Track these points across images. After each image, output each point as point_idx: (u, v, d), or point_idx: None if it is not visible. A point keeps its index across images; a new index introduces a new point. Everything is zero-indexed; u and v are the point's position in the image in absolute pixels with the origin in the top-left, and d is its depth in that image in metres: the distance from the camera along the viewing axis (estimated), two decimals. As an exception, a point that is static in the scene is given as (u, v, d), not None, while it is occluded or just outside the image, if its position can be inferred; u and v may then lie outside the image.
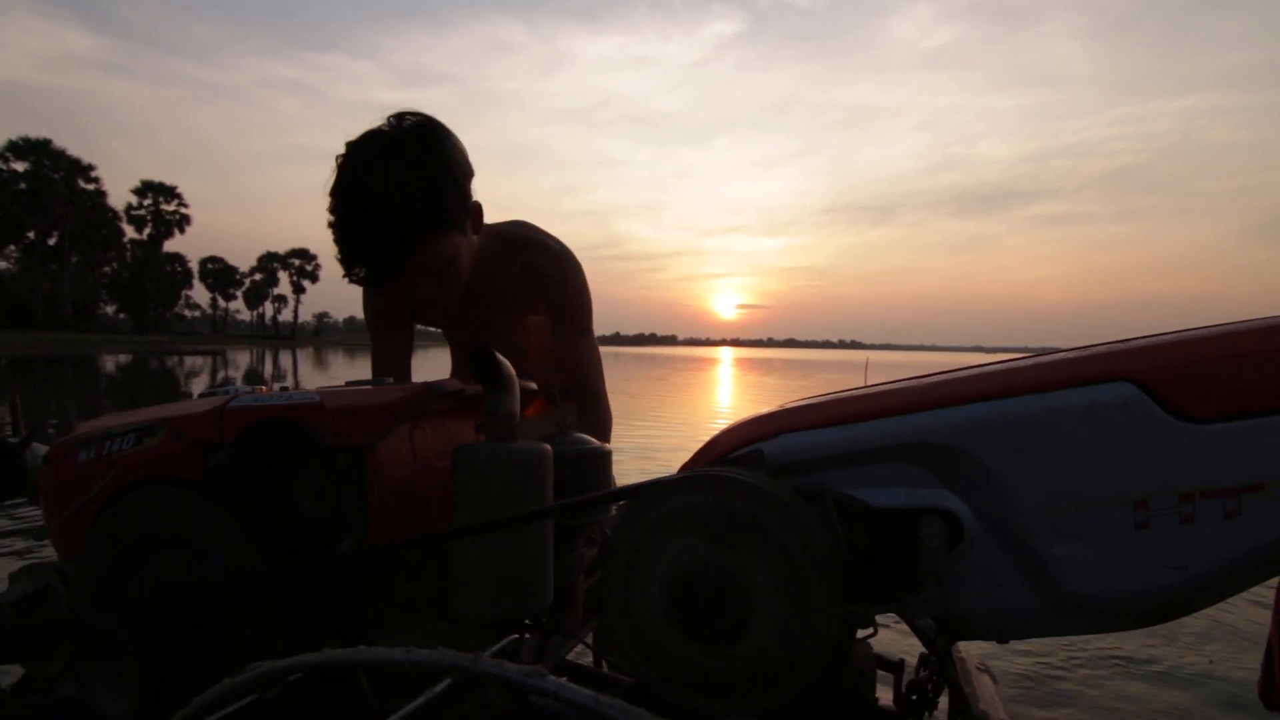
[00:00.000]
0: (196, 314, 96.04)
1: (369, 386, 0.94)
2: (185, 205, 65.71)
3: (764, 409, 0.82)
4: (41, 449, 1.39)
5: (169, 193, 65.13)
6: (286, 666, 0.54)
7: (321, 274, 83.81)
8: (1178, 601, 0.66)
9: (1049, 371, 0.69)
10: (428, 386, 0.89)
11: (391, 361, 1.44)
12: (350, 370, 23.42)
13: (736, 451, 0.75)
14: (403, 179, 1.06)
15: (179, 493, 0.93)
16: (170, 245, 68.00)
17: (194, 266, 76.75)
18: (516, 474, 0.84)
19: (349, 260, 1.10)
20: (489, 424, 0.88)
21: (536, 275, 1.31)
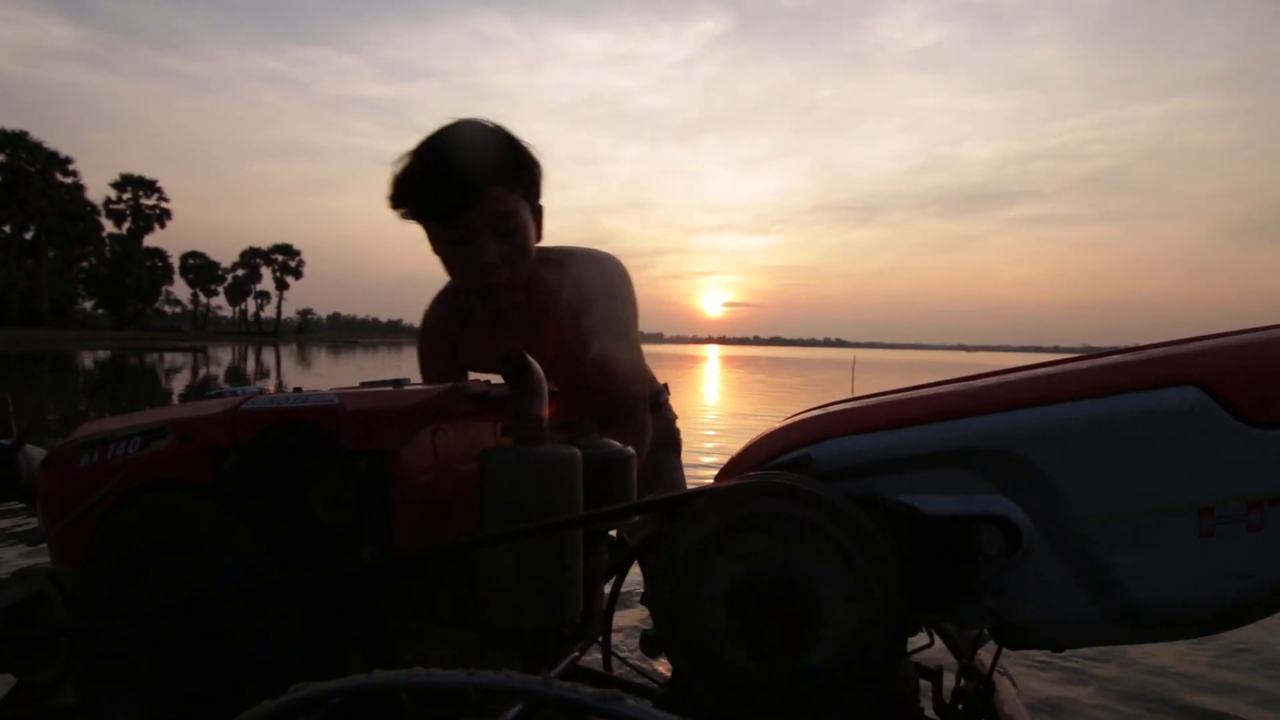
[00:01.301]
0: (177, 310, 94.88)
1: (389, 388, 0.91)
2: (166, 200, 64.79)
3: (800, 410, 0.79)
4: (36, 451, 1.34)
5: (149, 187, 64.18)
6: (333, 689, 0.50)
7: (305, 270, 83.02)
8: (1242, 610, 0.64)
9: (1108, 375, 0.67)
10: (453, 388, 0.85)
11: None
12: (334, 368, 23.19)
13: (783, 456, 0.73)
14: (481, 135, 1.16)
15: (189, 498, 0.89)
16: (150, 240, 67.09)
17: (175, 262, 75.78)
18: (547, 478, 0.81)
19: (419, 199, 1.14)
20: (517, 427, 0.85)
21: (584, 288, 1.28)
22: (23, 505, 1.32)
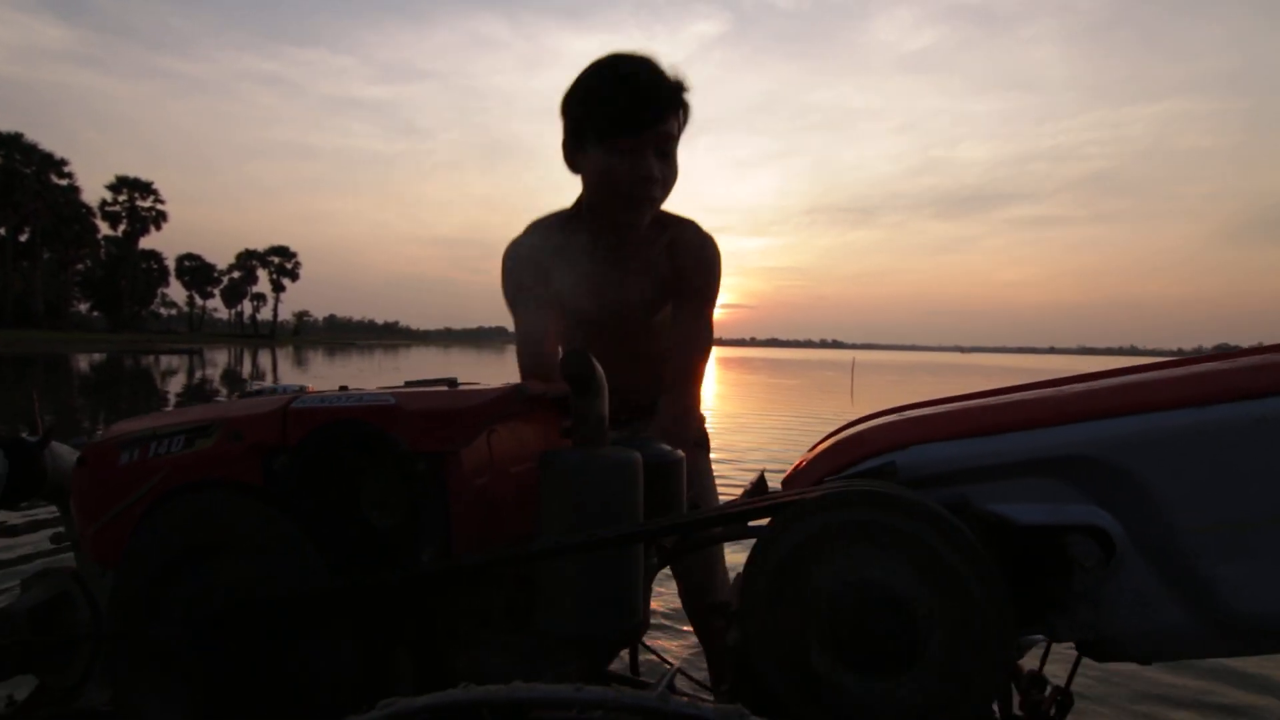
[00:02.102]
0: (173, 312, 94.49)
1: (443, 388, 0.88)
2: (161, 201, 64.58)
3: (877, 411, 0.77)
4: (62, 449, 1.31)
5: (145, 188, 63.98)
6: (429, 704, 0.48)
7: (301, 272, 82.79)
8: (1346, 623, 0.62)
9: (1208, 383, 0.65)
10: (515, 389, 0.83)
11: (542, 328, 1.34)
12: (330, 370, 23.06)
13: (865, 462, 0.71)
14: (662, 63, 1.18)
15: (237, 498, 0.86)
16: (146, 242, 66.85)
17: (170, 264, 75.52)
18: (611, 483, 0.79)
19: (616, 106, 1.15)
20: (580, 429, 0.82)
21: (680, 251, 1.32)
22: (49, 505, 1.29)
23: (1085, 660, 0.73)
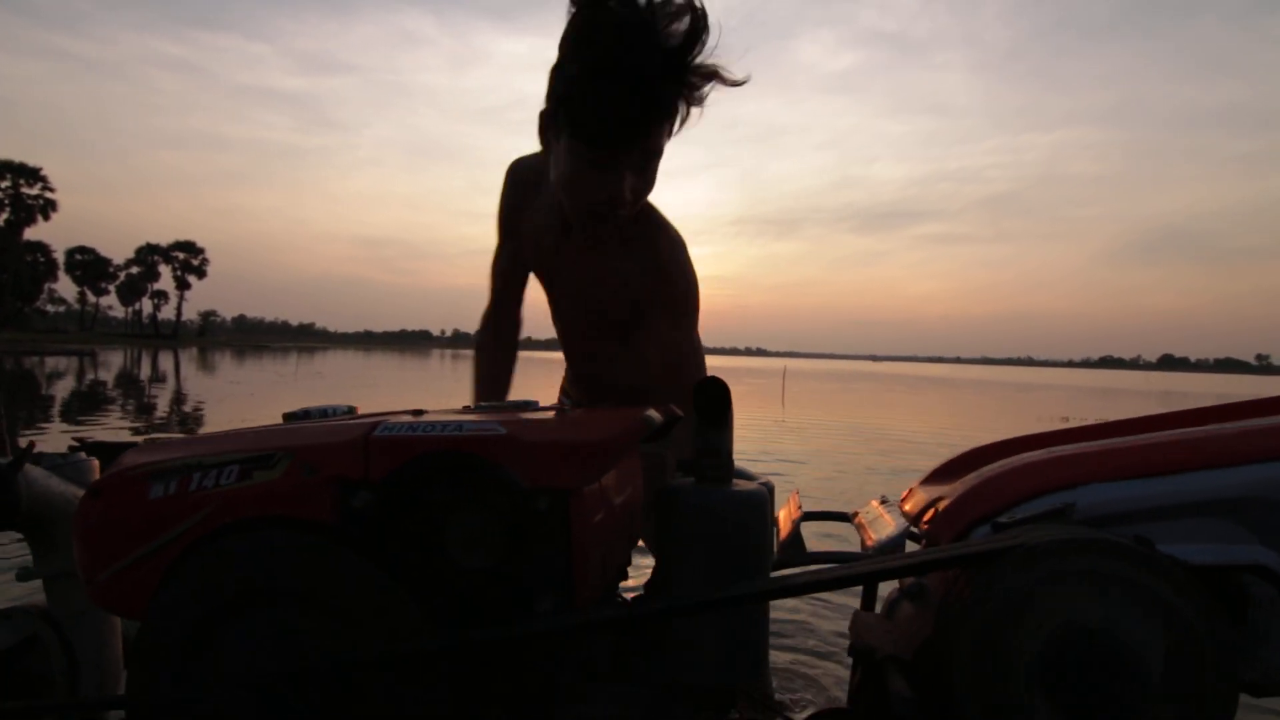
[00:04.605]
0: (61, 309, 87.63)
1: (549, 413, 0.80)
2: (51, 189, 59.87)
3: (1027, 442, 0.74)
4: (37, 473, 1.14)
5: (31, 175, 59.17)
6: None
7: (210, 269, 78.37)
8: None
9: None
10: (646, 419, 0.76)
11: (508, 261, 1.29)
12: (236, 373, 21.75)
13: (1037, 500, 0.68)
14: (659, 62, 0.92)
15: (308, 539, 0.76)
16: (32, 233, 61.74)
17: (60, 257, 70.10)
18: (751, 521, 0.74)
19: (598, 123, 0.94)
20: (708, 464, 0.77)
21: (649, 250, 1.16)
22: (21, 537, 1.13)
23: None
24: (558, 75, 0.98)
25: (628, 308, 1.20)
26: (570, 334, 1.33)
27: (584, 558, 0.72)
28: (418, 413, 0.87)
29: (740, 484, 0.76)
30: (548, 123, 1.04)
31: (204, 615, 0.78)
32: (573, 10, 0.93)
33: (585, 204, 1.05)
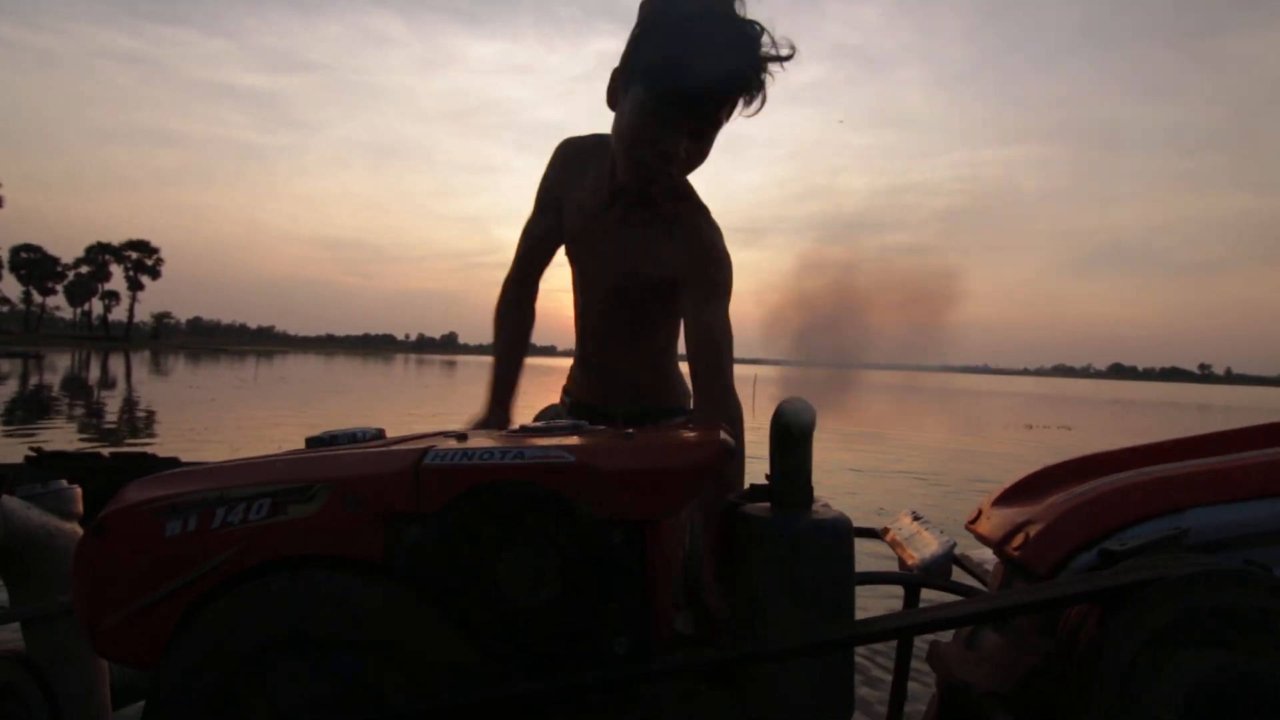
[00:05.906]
0: (5, 309, 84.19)
1: (636, 438, 0.73)
2: (-5, 185, 57.60)
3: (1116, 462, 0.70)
4: (14, 503, 1.04)
5: (-26, 170, 56.78)
6: None
7: (164, 269, 76.01)
8: None
9: None
10: (725, 446, 0.70)
11: (539, 232, 1.29)
12: (193, 378, 21.04)
13: (1142, 525, 0.64)
14: (745, 38, 1.00)
15: (353, 578, 0.68)
16: (-27, 230, 59.25)
17: (3, 255, 67.36)
18: (839, 549, 0.68)
19: (681, 92, 1.00)
20: (788, 487, 0.71)
21: (690, 231, 1.17)
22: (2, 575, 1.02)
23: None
24: (648, 26, 1.04)
25: (657, 287, 1.20)
26: (589, 313, 1.30)
27: (661, 595, 0.66)
28: (460, 435, 0.80)
29: (819, 510, 0.71)
30: (619, 78, 1.08)
31: (233, 665, 0.70)
32: None
33: (639, 157, 1.08)
